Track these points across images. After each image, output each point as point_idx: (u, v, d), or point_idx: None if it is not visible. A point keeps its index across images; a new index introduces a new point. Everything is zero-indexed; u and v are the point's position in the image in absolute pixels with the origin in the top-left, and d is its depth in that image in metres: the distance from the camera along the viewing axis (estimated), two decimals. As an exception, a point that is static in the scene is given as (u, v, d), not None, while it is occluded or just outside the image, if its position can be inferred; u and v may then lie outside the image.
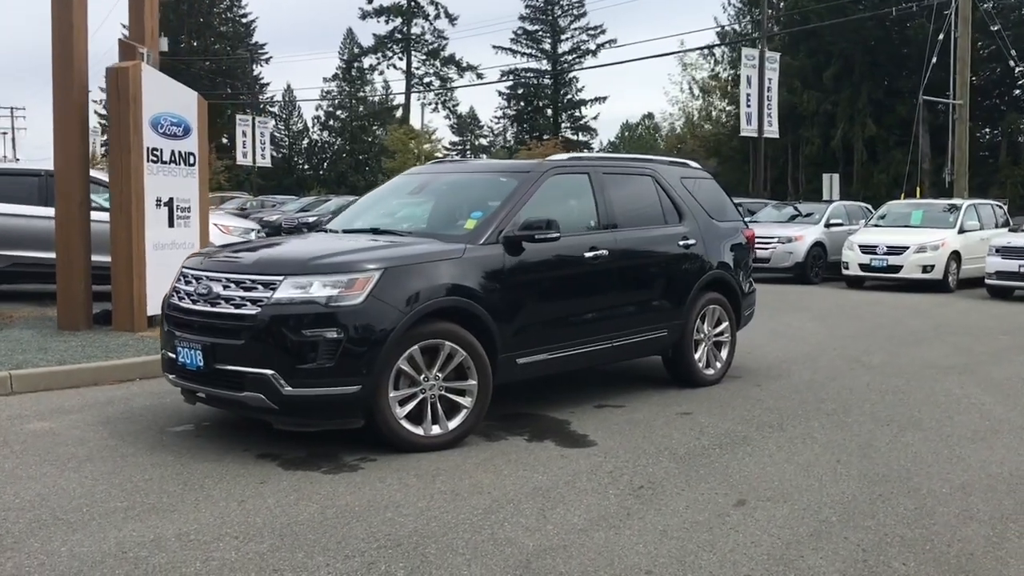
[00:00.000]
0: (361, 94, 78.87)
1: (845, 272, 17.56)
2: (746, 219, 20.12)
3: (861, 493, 4.82)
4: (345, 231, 6.58)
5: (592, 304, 6.52)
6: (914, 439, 5.93)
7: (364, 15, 70.75)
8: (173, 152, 9.62)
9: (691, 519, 4.39)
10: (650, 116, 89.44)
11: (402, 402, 5.42)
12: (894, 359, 9.01)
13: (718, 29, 42.49)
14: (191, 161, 9.88)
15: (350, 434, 5.51)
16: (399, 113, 72.94)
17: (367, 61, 75.22)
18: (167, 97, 9.62)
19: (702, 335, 7.49)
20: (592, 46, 72.97)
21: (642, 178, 7.31)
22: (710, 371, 7.58)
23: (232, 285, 5.42)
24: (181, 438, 5.77)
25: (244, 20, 77.48)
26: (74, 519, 4.29)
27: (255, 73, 78.55)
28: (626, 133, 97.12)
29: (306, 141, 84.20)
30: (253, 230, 13.71)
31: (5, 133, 75.08)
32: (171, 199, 9.59)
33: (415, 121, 69.43)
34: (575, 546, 4.03)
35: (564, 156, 7.06)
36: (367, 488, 4.79)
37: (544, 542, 4.07)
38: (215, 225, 12.24)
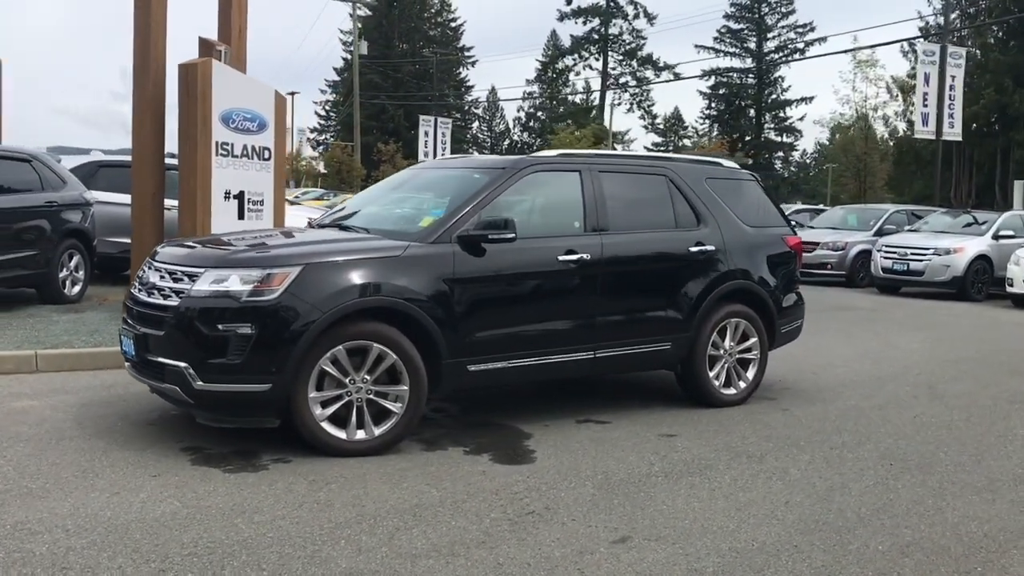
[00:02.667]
0: (562, 95, 79.33)
1: (1009, 289, 15.78)
2: (906, 227, 18.65)
3: (777, 542, 4.18)
4: (320, 226, 6.48)
5: (566, 311, 6.08)
6: (908, 483, 5.13)
7: (562, 16, 71.14)
8: (246, 147, 9.84)
9: (546, 554, 3.95)
10: (863, 117, 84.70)
11: (326, 404, 5.24)
12: (979, 390, 7.91)
13: (921, 24, 39.48)
14: (266, 156, 10.08)
15: (284, 433, 5.37)
16: (594, 114, 72.81)
17: (565, 62, 75.57)
18: (241, 93, 9.85)
19: (720, 351, 6.83)
20: (800, 44, 70.21)
21: (652, 178, 6.75)
22: (730, 391, 6.90)
23: (167, 276, 5.42)
24: (135, 426, 5.84)
25: (453, 24, 79.91)
26: (-59, 499, 4.39)
27: (462, 76, 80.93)
28: (836, 136, 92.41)
29: (507, 142, 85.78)
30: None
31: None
32: (241, 192, 9.83)
33: (614, 123, 69.35)
34: (383, 573, 3.70)
35: (554, 152, 6.62)
36: (247, 490, 4.64)
37: (359, 566, 3.77)
38: (308, 219, 12.51)
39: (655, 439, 5.92)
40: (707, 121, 75.44)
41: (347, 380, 5.25)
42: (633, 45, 72.13)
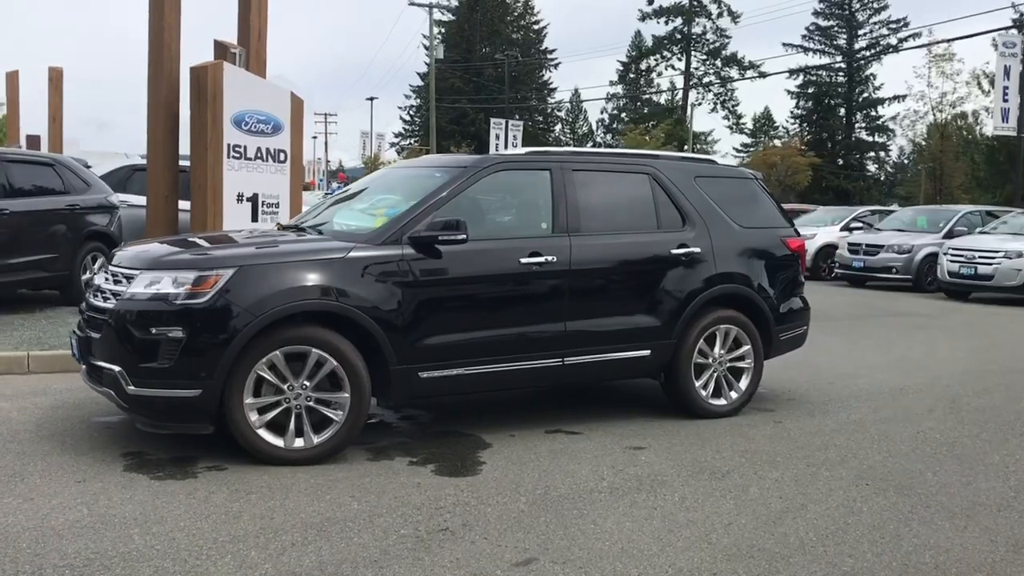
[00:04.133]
0: (646, 96, 78.52)
1: (1085, 295, 14.79)
2: (978, 229, 17.66)
3: (696, 569, 3.85)
4: (283, 227, 6.35)
5: (530, 316, 5.80)
6: (876, 506, 4.70)
7: (644, 16, 70.28)
8: (260, 149, 9.82)
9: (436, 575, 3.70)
10: (962, 116, 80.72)
11: (264, 410, 5.08)
12: (1006, 404, 7.31)
13: (1015, 15, 37.60)
14: (281, 158, 10.05)
15: (232, 439, 5.22)
16: (677, 115, 71.78)
17: (647, 63, 74.71)
18: (255, 95, 9.83)
19: (709, 359, 6.46)
20: (893, 40, 67.87)
21: (633, 177, 6.41)
22: (720, 401, 6.52)
23: (110, 278, 5.35)
24: (91, 429, 5.78)
25: (535, 27, 79.90)
26: None
27: (544, 78, 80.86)
28: (938, 135, 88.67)
29: (590, 144, 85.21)
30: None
31: (315, 137, 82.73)
32: (255, 195, 9.81)
33: (697, 123, 68.38)
34: (252, 592, 3.51)
35: (523, 150, 6.33)
36: (163, 499, 4.50)
37: (231, 583, 3.59)
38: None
39: (620, 452, 5.59)
40: (796, 121, 73.61)
41: (285, 386, 5.08)
42: (717, 44, 70.88)
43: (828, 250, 20.33)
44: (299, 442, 5.12)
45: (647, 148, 48.55)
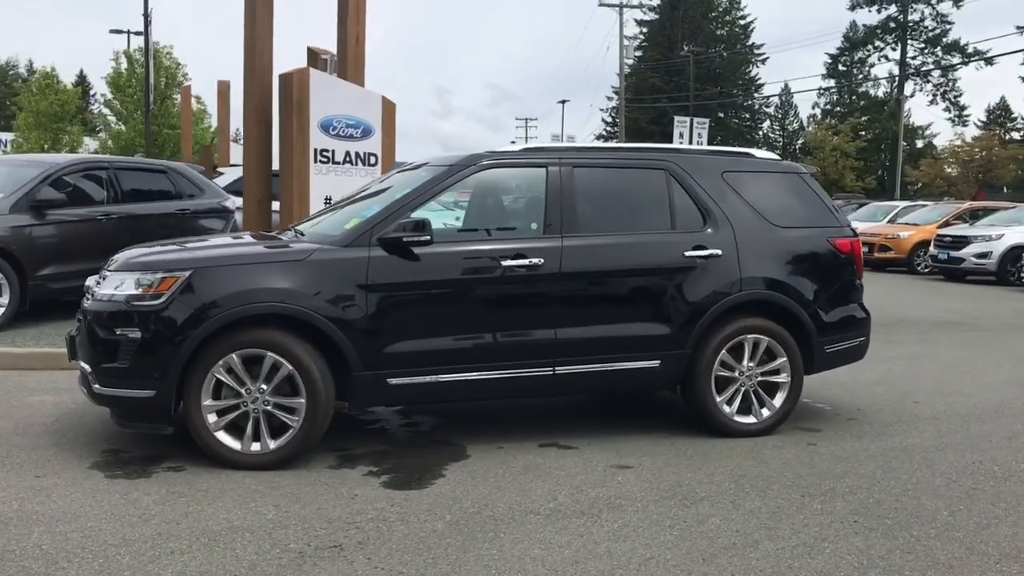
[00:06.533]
0: (863, 88, 74.48)
1: None
2: None
3: (569, 609, 3.45)
4: (286, 228, 6.33)
5: (514, 322, 5.46)
6: (844, 548, 4.06)
7: (854, 6, 66.55)
8: (348, 153, 9.96)
9: (279, 597, 3.51)
10: None
11: (223, 413, 5.07)
12: (1119, 432, 6.23)
13: None
14: (371, 162, 10.15)
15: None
16: (890, 108, 67.43)
17: (860, 54, 70.75)
18: (344, 100, 9.97)
19: (735, 372, 5.87)
20: None
21: (646, 173, 5.90)
22: (748, 419, 5.91)
23: (98, 280, 5.51)
24: (100, 424, 5.94)
25: (742, 22, 77.61)
26: None
27: (752, 74, 78.39)
28: None
29: (801, 141, 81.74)
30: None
31: (514, 142, 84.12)
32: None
33: (916, 116, 63.97)
34: (83, 601, 3.45)
35: (519, 147, 5.97)
36: (96, 497, 4.55)
37: (74, 589, 3.54)
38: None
39: (601, 470, 5.17)
40: (1035, 111, 67.39)
41: (243, 390, 5.04)
42: (937, 31, 66.05)
43: (1018, 252, 18.36)
44: (255, 446, 5.06)
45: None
